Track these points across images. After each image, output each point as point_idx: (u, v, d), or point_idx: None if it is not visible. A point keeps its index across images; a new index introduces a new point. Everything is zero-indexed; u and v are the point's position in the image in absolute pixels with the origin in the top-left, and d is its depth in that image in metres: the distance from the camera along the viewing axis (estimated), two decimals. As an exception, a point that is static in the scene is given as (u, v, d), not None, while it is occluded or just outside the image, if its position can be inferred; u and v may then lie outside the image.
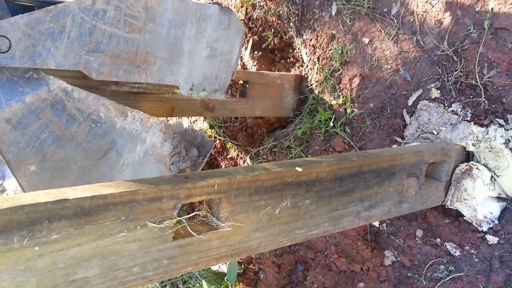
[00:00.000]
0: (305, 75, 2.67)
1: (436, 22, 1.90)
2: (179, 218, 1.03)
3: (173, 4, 1.55)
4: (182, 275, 3.17)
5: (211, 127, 3.33)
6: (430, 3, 1.92)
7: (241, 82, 2.51)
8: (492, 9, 1.72)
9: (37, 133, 1.36)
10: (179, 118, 3.57)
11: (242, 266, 2.85)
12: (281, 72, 2.87)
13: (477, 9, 1.76)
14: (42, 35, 1.30)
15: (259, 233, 1.22)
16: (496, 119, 1.77)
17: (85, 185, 0.95)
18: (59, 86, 1.39)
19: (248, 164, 3.03)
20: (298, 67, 2.79)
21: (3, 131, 1.29)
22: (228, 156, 3.24)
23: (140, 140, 1.62)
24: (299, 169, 1.23)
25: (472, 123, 1.83)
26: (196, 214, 1.11)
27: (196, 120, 3.56)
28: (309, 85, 2.60)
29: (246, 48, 3.05)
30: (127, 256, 0.97)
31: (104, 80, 1.72)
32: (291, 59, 2.87)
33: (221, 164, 3.32)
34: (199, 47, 1.68)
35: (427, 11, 1.93)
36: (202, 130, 1.84)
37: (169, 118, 3.39)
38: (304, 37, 2.57)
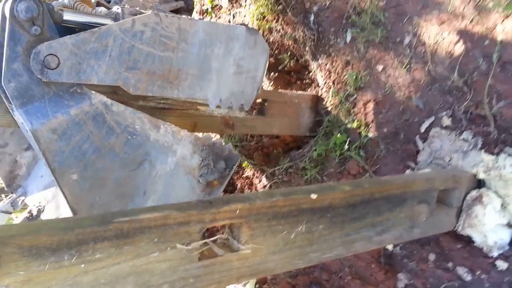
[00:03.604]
0: (321, 97, 2.82)
1: (447, 54, 2.04)
2: (205, 241, 1.18)
3: (204, 26, 1.74)
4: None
5: (227, 146, 3.50)
6: (441, 35, 2.07)
7: (259, 100, 2.67)
8: (500, 42, 1.86)
9: (79, 143, 1.53)
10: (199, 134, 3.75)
11: (257, 286, 2.98)
12: (299, 92, 3.04)
13: (486, 43, 1.90)
14: (87, 54, 1.49)
15: (276, 256, 1.36)
16: (506, 148, 1.89)
17: (124, 209, 1.12)
18: (100, 100, 1.57)
19: (264, 183, 3.18)
20: (315, 88, 2.95)
21: (50, 141, 1.47)
22: (244, 175, 3.40)
23: (171, 152, 1.78)
24: (313, 196, 1.38)
25: (482, 151, 1.96)
26: (219, 237, 1.26)
27: (213, 137, 3.73)
28: (324, 107, 2.75)
29: (262, 70, 3.22)
30: (158, 275, 1.12)
31: (133, 96, 1.89)
32: (307, 80, 3.04)
33: (237, 182, 3.47)
34: (226, 64, 1.86)
35: (438, 42, 2.08)
36: (230, 144, 2.00)
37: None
38: (320, 61, 2.73)
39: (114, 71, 1.56)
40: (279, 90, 3.11)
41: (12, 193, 2.75)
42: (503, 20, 1.87)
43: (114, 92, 1.85)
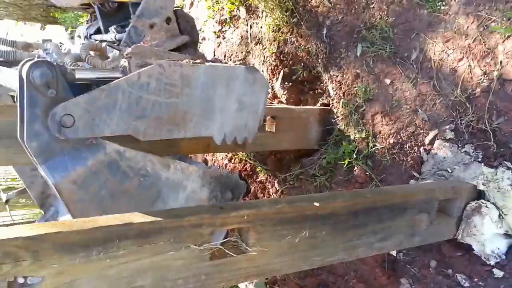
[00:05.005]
0: (332, 107, 2.93)
1: (451, 70, 2.13)
2: (215, 242, 1.31)
3: (205, 70, 1.82)
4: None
5: (242, 151, 3.63)
6: (445, 53, 2.16)
7: (269, 117, 2.73)
8: (501, 62, 1.94)
9: (97, 190, 1.64)
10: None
11: (268, 286, 3.10)
12: (306, 106, 3.13)
13: (487, 61, 1.99)
14: (99, 110, 1.58)
15: (281, 258, 1.48)
16: (505, 162, 1.97)
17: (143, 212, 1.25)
18: (113, 149, 1.68)
19: (276, 188, 3.29)
20: (326, 97, 3.06)
21: (70, 191, 1.58)
22: (258, 180, 3.52)
23: (182, 187, 1.88)
24: (316, 204, 1.49)
25: (483, 164, 2.04)
26: (228, 240, 1.39)
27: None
28: (335, 117, 2.86)
29: (277, 79, 3.34)
30: (173, 271, 1.25)
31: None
32: (319, 90, 3.14)
33: (251, 187, 3.59)
34: (229, 102, 1.93)
35: (443, 59, 2.17)
36: (236, 174, 2.09)
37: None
38: (331, 73, 2.84)
39: (124, 122, 1.64)
40: (288, 106, 3.21)
41: (45, 212, 2.88)
42: (503, 41, 1.95)
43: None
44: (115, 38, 2.46)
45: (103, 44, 2.06)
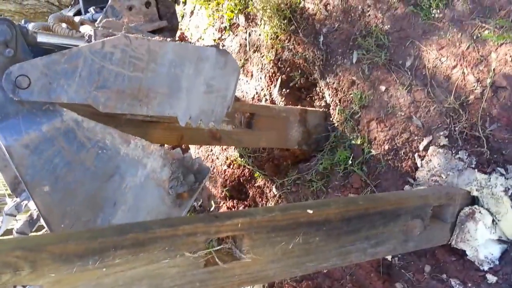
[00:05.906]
0: (328, 113, 2.95)
1: (445, 77, 2.15)
2: (209, 250, 1.33)
3: (174, 47, 1.77)
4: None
5: (241, 156, 3.65)
6: (439, 60, 2.18)
7: (247, 114, 2.70)
8: (494, 69, 1.97)
9: (51, 158, 1.59)
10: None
11: (264, 290, 3.11)
12: (287, 106, 3.11)
13: (481, 68, 2.01)
14: (58, 74, 1.54)
15: (275, 264, 1.50)
16: (498, 168, 1.99)
17: (134, 220, 1.27)
18: (71, 117, 1.63)
19: (274, 193, 3.31)
20: (323, 104, 3.08)
21: (22, 156, 1.54)
22: (256, 185, 3.54)
23: (141, 165, 1.82)
24: (310, 211, 1.51)
25: (476, 170, 2.06)
26: (222, 247, 1.41)
27: (227, 148, 3.89)
28: (331, 123, 2.88)
29: (275, 86, 3.37)
30: (168, 278, 1.27)
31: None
32: (316, 97, 3.16)
33: (249, 191, 3.61)
34: (197, 84, 1.87)
35: (437, 66, 2.19)
36: (200, 158, 2.03)
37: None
38: (327, 80, 2.86)
39: (84, 90, 1.60)
40: (267, 104, 3.19)
41: (17, 197, 2.87)
42: (496, 48, 1.98)
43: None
44: (92, 18, 2.44)
45: (77, 19, 2.01)
